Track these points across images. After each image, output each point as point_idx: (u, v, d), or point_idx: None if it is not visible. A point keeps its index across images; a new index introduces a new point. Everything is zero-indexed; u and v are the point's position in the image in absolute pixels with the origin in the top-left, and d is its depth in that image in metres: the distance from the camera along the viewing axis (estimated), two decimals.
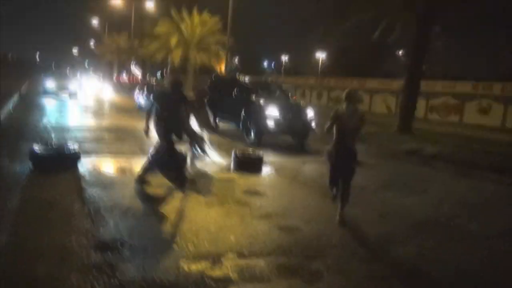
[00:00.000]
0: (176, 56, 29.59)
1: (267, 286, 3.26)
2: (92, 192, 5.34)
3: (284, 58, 57.89)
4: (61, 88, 24.06)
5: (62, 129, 10.91)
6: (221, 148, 8.91)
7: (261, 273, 3.45)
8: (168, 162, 5.89)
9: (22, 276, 3.15)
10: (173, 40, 29.11)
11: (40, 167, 6.16)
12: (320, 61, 45.11)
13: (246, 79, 13.00)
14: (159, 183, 5.85)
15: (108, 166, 7.37)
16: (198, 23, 29.49)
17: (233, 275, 3.36)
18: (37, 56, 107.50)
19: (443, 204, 6.09)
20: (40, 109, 16.08)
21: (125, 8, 42.68)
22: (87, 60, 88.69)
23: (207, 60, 30.15)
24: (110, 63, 56.83)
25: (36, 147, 6.42)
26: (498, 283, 3.79)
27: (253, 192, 6.00)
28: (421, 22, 12.89)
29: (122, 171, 6.92)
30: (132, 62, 51.39)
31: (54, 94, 22.96)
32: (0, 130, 9.72)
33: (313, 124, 10.80)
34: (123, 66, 54.21)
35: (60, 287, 3.02)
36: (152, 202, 5.27)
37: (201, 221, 4.65)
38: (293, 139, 11.03)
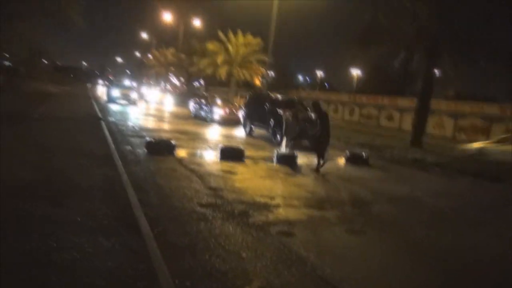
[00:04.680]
0: (222, 72, 33.56)
1: (295, 209, 6.45)
2: (193, 166, 8.72)
3: (319, 74, 61.10)
4: (124, 96, 28.20)
5: (147, 130, 14.51)
6: (263, 149, 12.18)
7: (293, 204, 6.67)
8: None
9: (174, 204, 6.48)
10: (220, 58, 33.11)
11: (152, 152, 9.64)
12: (356, 78, 47.78)
13: (278, 95, 16.86)
14: (230, 165, 9.19)
15: (194, 154, 10.69)
16: (242, 43, 33.36)
17: (281, 203, 6.59)
18: (84, 64, 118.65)
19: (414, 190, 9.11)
20: (119, 115, 19.93)
21: (174, 24, 47.08)
22: (130, 70, 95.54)
23: (249, 76, 33.93)
24: (157, 74, 61.91)
25: (148, 140, 9.99)
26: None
27: (290, 174, 9.27)
28: (427, 55, 15.81)
29: (203, 157, 10.27)
30: (170, 74, 57.19)
31: (118, 102, 27.06)
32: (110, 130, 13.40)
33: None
34: (168, 78, 59.18)
35: (194, 202, 6.32)
36: (231, 173, 8.57)
37: (260, 184, 7.93)
38: (309, 142, 13.92)
